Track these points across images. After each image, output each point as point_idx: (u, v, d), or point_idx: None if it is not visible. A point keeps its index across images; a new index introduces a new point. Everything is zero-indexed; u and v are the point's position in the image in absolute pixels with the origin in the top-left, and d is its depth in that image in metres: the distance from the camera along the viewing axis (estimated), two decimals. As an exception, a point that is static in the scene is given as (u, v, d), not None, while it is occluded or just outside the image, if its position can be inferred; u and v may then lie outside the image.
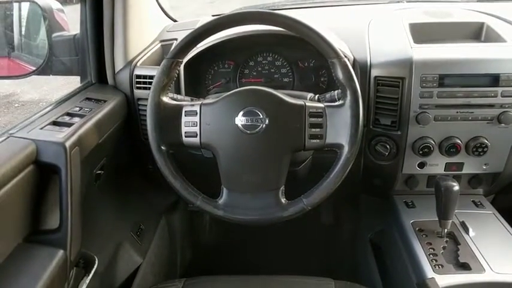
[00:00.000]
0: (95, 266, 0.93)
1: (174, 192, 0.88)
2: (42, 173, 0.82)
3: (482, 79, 1.02)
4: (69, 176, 0.80)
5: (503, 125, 1.04)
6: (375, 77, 1.07)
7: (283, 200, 0.87)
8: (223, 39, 1.09)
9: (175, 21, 1.46)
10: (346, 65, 0.84)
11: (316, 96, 0.98)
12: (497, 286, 0.89)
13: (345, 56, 1.03)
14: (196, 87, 1.20)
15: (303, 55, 1.19)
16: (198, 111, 0.87)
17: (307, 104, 0.86)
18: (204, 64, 1.21)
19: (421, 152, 1.07)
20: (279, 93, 0.87)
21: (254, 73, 1.21)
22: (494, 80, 1.02)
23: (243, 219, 0.86)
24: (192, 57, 1.11)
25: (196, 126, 0.86)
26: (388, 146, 1.10)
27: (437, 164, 1.12)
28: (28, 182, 0.78)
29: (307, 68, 1.20)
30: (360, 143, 0.85)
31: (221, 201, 0.88)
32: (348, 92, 0.84)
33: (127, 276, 1.20)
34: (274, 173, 0.87)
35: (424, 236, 1.04)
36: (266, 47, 1.20)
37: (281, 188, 0.87)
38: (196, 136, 0.87)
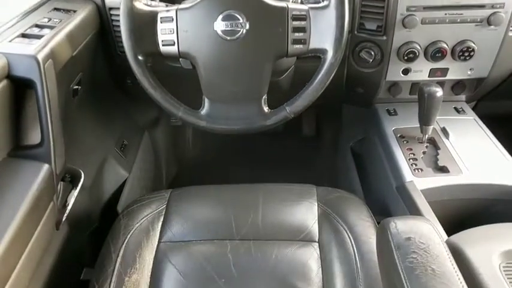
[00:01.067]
0: (82, 180, 0.93)
1: (156, 107, 0.86)
2: (17, 88, 0.78)
3: None
4: (45, 89, 0.77)
5: (492, 27, 1.01)
6: None
7: (265, 109, 0.86)
8: None
9: None
10: None
11: None
12: (472, 187, 0.93)
13: None
14: None
15: None
16: (174, 17, 0.81)
17: (289, 6, 0.81)
18: None
19: (406, 58, 1.05)
20: None
21: None
22: None
23: (226, 129, 0.85)
24: None
25: (173, 33, 0.82)
26: (372, 53, 1.07)
27: (421, 70, 1.10)
28: (4, 97, 0.75)
29: None
30: (345, 48, 0.82)
31: (203, 111, 0.86)
32: None
33: (114, 190, 1.22)
34: (256, 81, 0.84)
35: (405, 142, 1.06)
36: None
37: (263, 97, 0.86)
38: (174, 44, 0.82)
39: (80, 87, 0.99)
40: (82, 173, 0.95)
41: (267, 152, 1.76)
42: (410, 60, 1.06)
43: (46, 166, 0.79)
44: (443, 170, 0.96)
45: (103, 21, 1.07)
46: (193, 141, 1.79)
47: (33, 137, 0.82)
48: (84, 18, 0.98)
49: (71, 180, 0.94)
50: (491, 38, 1.03)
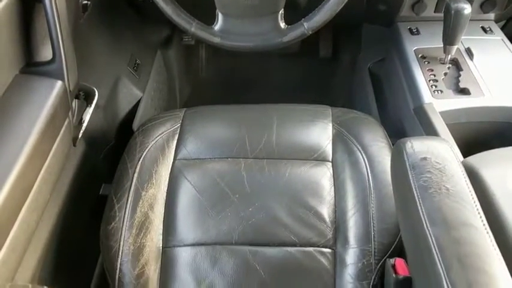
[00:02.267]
0: (96, 97, 0.93)
1: (168, 25, 0.83)
2: (25, 2, 0.76)
3: None
4: (54, 3, 0.74)
5: None
6: None
7: (282, 25, 0.82)
8: None
9: None
10: None
11: None
12: (493, 109, 0.90)
13: None
14: None
15: None
16: None
17: None
18: None
19: None
20: None
21: None
22: None
23: (241, 46, 0.83)
24: None
25: None
26: None
27: None
28: (12, 12, 0.73)
29: None
30: None
31: (217, 27, 0.83)
32: None
33: (129, 109, 1.23)
34: None
35: (426, 62, 1.02)
36: None
37: (280, 12, 0.82)
38: None
39: (89, 2, 0.95)
40: (96, 90, 0.95)
41: (282, 73, 1.72)
42: None
43: (59, 83, 0.78)
44: (464, 91, 0.93)
45: None
46: (206, 61, 1.76)
47: (45, 53, 0.81)
48: None
49: (85, 97, 0.94)
50: None
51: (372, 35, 1.37)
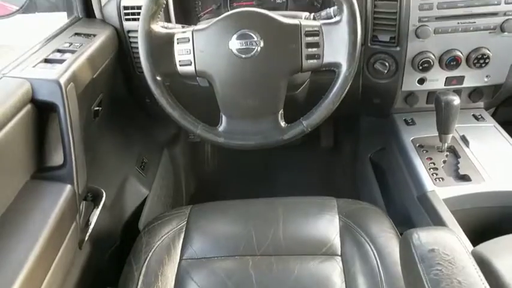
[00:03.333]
0: (103, 199, 0.95)
1: (174, 124, 0.88)
2: (40, 111, 0.81)
3: None
4: (68, 112, 0.80)
5: (506, 33, 1.01)
6: None
7: (282, 124, 0.87)
8: None
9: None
10: None
11: (312, 14, 0.94)
12: (496, 195, 0.91)
13: None
14: (186, 15, 1.16)
15: None
16: (191, 38, 0.83)
17: (302, 23, 0.83)
18: None
19: (420, 68, 1.05)
20: (272, 14, 0.83)
21: None
22: None
23: (244, 145, 0.86)
24: None
25: (190, 53, 0.84)
26: (387, 64, 1.07)
27: (437, 79, 1.10)
28: (28, 121, 0.78)
29: None
30: (359, 60, 0.83)
31: (221, 128, 0.87)
32: (344, 7, 0.80)
33: (135, 208, 1.24)
34: (272, 96, 0.85)
35: (424, 151, 1.05)
36: None
37: (280, 112, 0.87)
38: (190, 64, 0.84)
39: (100, 108, 1.02)
40: (103, 192, 0.97)
41: (285, 165, 1.76)
42: (425, 69, 1.05)
43: (68, 187, 0.81)
44: (464, 178, 0.95)
45: (121, 43, 1.10)
46: (211, 157, 1.81)
47: (56, 158, 0.84)
48: (104, 41, 1.01)
49: (93, 199, 0.96)
50: (506, 44, 1.03)
51: (371, 126, 1.43)
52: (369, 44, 1.08)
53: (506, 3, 0.98)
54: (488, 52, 1.03)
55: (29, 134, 0.79)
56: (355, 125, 1.52)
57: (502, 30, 1.00)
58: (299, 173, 1.73)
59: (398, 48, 1.05)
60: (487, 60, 1.04)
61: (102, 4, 1.11)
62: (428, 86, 1.11)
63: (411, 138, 1.10)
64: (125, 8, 1.07)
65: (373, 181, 1.31)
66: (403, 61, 1.06)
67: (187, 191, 1.65)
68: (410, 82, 1.11)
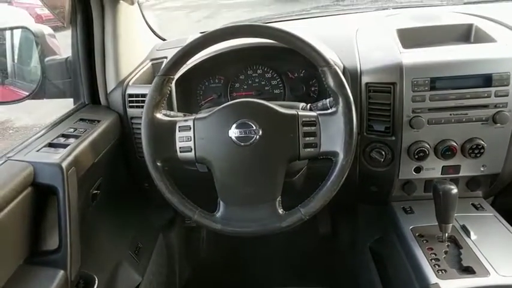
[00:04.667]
0: (95, 286, 0.92)
1: (171, 209, 0.88)
2: (40, 194, 0.82)
3: (474, 80, 1.02)
4: (67, 196, 0.80)
5: (498, 125, 1.04)
6: (366, 83, 1.07)
7: (280, 211, 0.86)
8: (211, 54, 1.10)
9: (164, 40, 1.47)
10: (337, 73, 0.84)
11: (308, 105, 0.98)
12: None
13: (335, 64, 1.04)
14: (188, 103, 1.21)
15: (292, 66, 1.20)
16: (192, 126, 0.86)
17: (299, 113, 0.86)
18: (194, 80, 1.21)
19: (416, 157, 1.07)
20: (271, 104, 0.87)
21: (245, 86, 1.22)
22: (487, 80, 1.02)
23: (241, 232, 0.85)
24: (183, 73, 1.12)
25: (190, 141, 0.86)
26: (383, 152, 1.10)
27: (433, 168, 1.11)
28: (27, 204, 0.78)
29: (297, 78, 1.21)
30: (355, 149, 0.85)
31: (218, 214, 0.87)
32: (340, 99, 0.84)
33: None
34: (270, 184, 0.86)
35: (424, 241, 1.03)
36: (255, 60, 1.21)
37: (278, 199, 0.87)
38: (191, 151, 0.86)
39: (99, 191, 1.02)
40: (96, 278, 0.93)
41: (282, 252, 1.71)
42: (421, 158, 1.07)
43: (61, 273, 0.78)
44: (468, 270, 0.92)
45: (124, 129, 1.13)
46: (207, 242, 1.77)
47: (51, 242, 0.83)
48: (107, 127, 1.04)
49: (84, 285, 0.93)
50: (499, 135, 1.05)
51: (369, 214, 1.42)
52: (365, 133, 1.11)
53: (496, 95, 1.02)
54: (482, 143, 1.05)
55: (26, 217, 0.78)
56: (353, 212, 1.51)
57: (495, 121, 1.03)
58: (297, 259, 1.67)
59: (393, 138, 1.08)
60: (482, 151, 1.06)
61: (108, 91, 1.17)
62: (425, 174, 1.12)
63: (410, 227, 1.08)
64: (130, 95, 1.12)
65: (373, 271, 1.26)
66: (399, 150, 1.08)
67: (180, 278, 1.58)
68: (406, 171, 1.12)
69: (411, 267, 1.00)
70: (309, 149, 0.85)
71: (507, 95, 1.02)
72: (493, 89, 1.01)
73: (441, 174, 1.12)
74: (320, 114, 0.86)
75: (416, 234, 1.05)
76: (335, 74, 0.84)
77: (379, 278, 1.23)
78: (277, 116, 0.85)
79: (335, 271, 1.58)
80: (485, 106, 1.03)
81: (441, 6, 1.57)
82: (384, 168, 1.13)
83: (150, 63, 1.27)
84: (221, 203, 0.87)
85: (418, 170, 1.12)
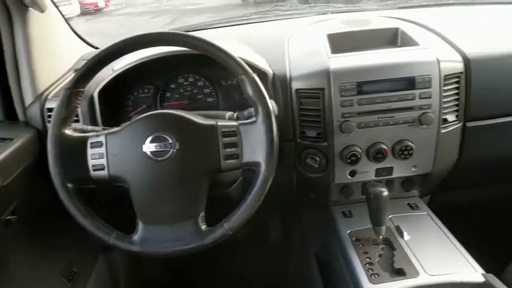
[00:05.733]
0: None
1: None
2: None
3: (399, 83, 1.03)
4: None
5: (424, 126, 1.05)
6: (296, 89, 1.06)
7: (203, 227, 0.83)
8: (136, 63, 1.06)
9: (97, 48, 1.41)
10: (255, 81, 0.82)
11: (235, 114, 0.96)
12: None
13: (263, 71, 1.02)
14: (116, 116, 1.15)
15: (225, 74, 1.17)
16: (104, 142, 0.82)
17: (219, 123, 0.83)
18: (122, 90, 1.16)
19: (349, 161, 1.07)
20: (188, 115, 0.83)
21: (176, 96, 1.18)
22: (411, 83, 1.03)
23: (161, 252, 0.81)
24: (107, 84, 1.06)
25: (103, 158, 0.81)
26: (317, 158, 1.09)
27: (367, 171, 1.11)
28: None
29: (231, 86, 1.18)
30: (277, 158, 0.83)
31: (137, 235, 0.82)
32: (260, 108, 0.82)
33: None
34: (191, 199, 0.83)
35: (360, 245, 1.02)
36: (186, 68, 1.17)
37: (200, 215, 0.83)
38: (104, 169, 0.82)
39: (14, 216, 0.95)
40: None
41: (233, 264, 1.68)
42: (353, 162, 1.07)
43: None
44: (400, 272, 0.92)
45: (44, 147, 1.07)
46: (154, 262, 1.70)
47: None
48: (21, 146, 0.97)
49: None
50: (426, 136, 1.07)
51: (314, 220, 1.41)
52: (298, 140, 1.10)
53: (420, 98, 1.03)
54: (411, 144, 1.06)
55: None
56: (300, 219, 1.50)
57: (421, 123, 1.05)
58: (247, 270, 1.64)
59: (326, 143, 1.07)
60: (410, 152, 1.06)
61: (26, 106, 1.09)
62: (360, 178, 1.12)
63: (348, 232, 1.08)
64: (49, 110, 1.06)
65: (317, 278, 1.25)
66: (332, 155, 1.08)
67: None
68: (342, 175, 1.11)
69: (348, 272, 0.99)
70: (230, 161, 0.82)
71: (430, 97, 1.03)
72: (417, 92, 1.03)
73: (375, 176, 1.12)
74: (241, 124, 0.83)
75: (353, 239, 1.05)
76: (253, 82, 0.82)
77: (323, 285, 1.22)
78: (194, 127, 0.82)
79: (284, 279, 1.57)
80: (410, 108, 1.04)
81: (377, 10, 1.60)
82: (319, 174, 1.12)
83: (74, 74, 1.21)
84: (139, 223, 0.82)
85: (352, 173, 1.12)
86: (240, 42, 1.22)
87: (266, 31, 1.44)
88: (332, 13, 1.53)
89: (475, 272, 0.90)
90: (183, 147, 0.80)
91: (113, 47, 0.82)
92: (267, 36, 1.35)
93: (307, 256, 1.38)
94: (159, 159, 0.80)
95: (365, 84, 1.02)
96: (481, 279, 0.88)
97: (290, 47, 1.18)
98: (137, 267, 1.62)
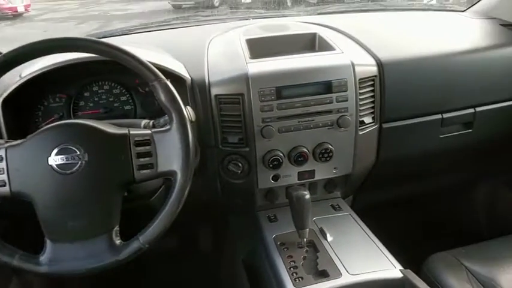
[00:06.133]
0: None
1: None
2: None
3: (317, 87, 1.05)
4: None
5: (342, 128, 1.08)
6: (216, 95, 1.05)
7: (117, 242, 0.78)
8: (44, 70, 0.98)
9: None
10: (168, 87, 0.80)
11: (151, 122, 0.92)
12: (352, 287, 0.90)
13: (181, 77, 1.00)
14: (24, 128, 1.07)
15: (142, 80, 1.13)
16: (4, 156, 0.75)
17: (131, 132, 0.79)
18: (31, 100, 1.08)
19: (271, 165, 1.07)
20: (98, 124, 0.79)
21: (91, 104, 1.12)
22: (328, 86, 1.05)
23: (73, 272, 0.76)
24: (13, 91, 0.98)
25: (3, 173, 0.74)
26: (240, 164, 1.08)
27: (290, 175, 1.12)
28: None
29: (148, 93, 1.13)
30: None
31: (45, 255, 0.76)
32: (174, 115, 0.79)
33: None
34: (103, 213, 0.78)
35: (285, 249, 1.03)
36: (101, 76, 1.11)
37: (115, 229, 0.79)
38: (5, 185, 0.74)
39: None
40: None
41: (162, 274, 1.62)
42: (276, 167, 1.07)
43: None
44: (323, 274, 0.93)
45: None
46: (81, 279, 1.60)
47: None
48: None
49: None
50: (344, 138, 1.10)
51: (241, 226, 1.40)
52: (220, 146, 1.08)
53: (337, 101, 1.06)
54: (330, 147, 1.08)
55: None
56: (228, 226, 1.48)
57: (339, 125, 1.07)
58: (178, 281, 1.60)
59: (247, 149, 1.06)
60: (330, 154, 1.09)
61: None
62: (283, 182, 1.13)
63: (273, 236, 1.08)
64: None
65: (245, 285, 1.24)
66: (254, 160, 1.07)
67: None
68: (265, 180, 1.11)
69: (273, 277, 0.99)
70: (144, 171, 0.79)
71: (347, 100, 1.06)
72: (334, 95, 1.05)
73: (298, 180, 1.14)
74: (155, 132, 0.80)
75: (278, 243, 1.05)
76: (166, 89, 0.79)
77: None
78: (104, 137, 0.78)
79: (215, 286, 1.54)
80: (329, 112, 1.06)
81: (298, 16, 1.63)
82: (242, 180, 1.11)
83: None
84: (47, 241, 0.76)
85: (275, 178, 1.12)
86: (159, 48, 1.19)
87: (186, 36, 1.42)
88: (253, 18, 1.54)
89: (393, 269, 0.93)
90: (92, 158, 0.76)
91: (7, 57, 0.76)
92: (186, 41, 1.32)
93: (236, 263, 1.36)
94: (67, 172, 0.74)
95: (284, 89, 1.03)
96: (399, 275, 0.92)
97: (210, 53, 1.17)
98: (57, 286, 1.52)
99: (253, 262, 1.27)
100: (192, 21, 1.58)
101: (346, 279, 0.91)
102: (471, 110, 1.28)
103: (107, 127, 0.79)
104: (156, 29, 1.51)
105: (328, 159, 1.09)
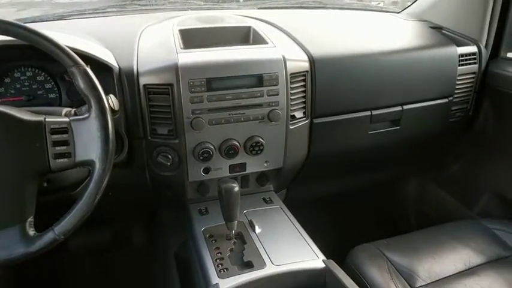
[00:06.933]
0: None
1: None
2: None
3: (248, 80, 1.06)
4: None
5: (273, 122, 1.09)
6: (144, 85, 1.02)
7: (31, 233, 0.75)
8: None
9: None
10: (87, 73, 0.77)
11: (73, 110, 0.89)
12: (274, 278, 0.92)
13: (107, 65, 0.96)
14: None
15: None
16: None
17: (47, 119, 0.76)
18: None
19: (201, 158, 1.06)
20: (10, 111, 0.74)
21: (12, 91, 1.06)
22: (259, 80, 1.06)
23: None
24: None
25: None
26: (169, 156, 1.06)
27: (221, 168, 1.12)
28: None
29: None
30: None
31: None
32: (92, 102, 0.77)
33: None
34: (15, 203, 0.74)
35: (213, 241, 1.03)
36: (24, 61, 1.06)
37: (28, 220, 0.75)
38: None
39: None
40: None
41: (95, 270, 1.57)
42: (206, 159, 1.07)
43: None
44: (248, 265, 0.94)
45: None
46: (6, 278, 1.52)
47: None
48: None
49: None
50: (275, 132, 1.11)
51: (173, 219, 1.38)
52: (149, 138, 1.06)
53: (268, 95, 1.07)
54: (261, 140, 1.09)
55: None
56: (160, 219, 1.46)
57: (270, 119, 1.08)
58: (114, 278, 1.55)
59: (177, 141, 1.05)
60: (261, 147, 1.10)
61: None
62: (214, 175, 1.13)
63: (202, 229, 1.07)
64: None
65: (175, 279, 1.23)
66: (184, 153, 1.06)
67: None
68: (195, 172, 1.11)
69: (200, 269, 0.99)
70: (61, 160, 0.76)
71: (277, 94, 1.07)
72: (265, 89, 1.06)
73: (229, 172, 1.14)
74: (73, 120, 0.77)
75: (207, 235, 1.05)
76: (85, 74, 0.77)
77: (180, 285, 1.20)
78: (17, 124, 0.74)
79: (148, 283, 1.51)
80: (260, 105, 1.07)
81: (238, 9, 1.63)
82: (172, 172, 1.10)
83: None
84: None
85: (206, 170, 1.12)
86: (89, 35, 1.14)
87: (120, 25, 1.38)
88: (192, 10, 1.53)
89: (316, 259, 0.96)
90: (3, 145, 0.72)
91: None
92: (119, 30, 1.28)
93: (169, 256, 1.35)
94: None
95: (214, 81, 1.03)
96: (321, 265, 0.94)
97: (141, 42, 1.14)
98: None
99: (184, 255, 1.26)
100: (128, 10, 1.53)
101: (269, 269, 0.92)
102: (399, 108, 1.34)
103: (22, 114, 0.75)
104: (89, 16, 1.45)
105: (259, 152, 1.10)
